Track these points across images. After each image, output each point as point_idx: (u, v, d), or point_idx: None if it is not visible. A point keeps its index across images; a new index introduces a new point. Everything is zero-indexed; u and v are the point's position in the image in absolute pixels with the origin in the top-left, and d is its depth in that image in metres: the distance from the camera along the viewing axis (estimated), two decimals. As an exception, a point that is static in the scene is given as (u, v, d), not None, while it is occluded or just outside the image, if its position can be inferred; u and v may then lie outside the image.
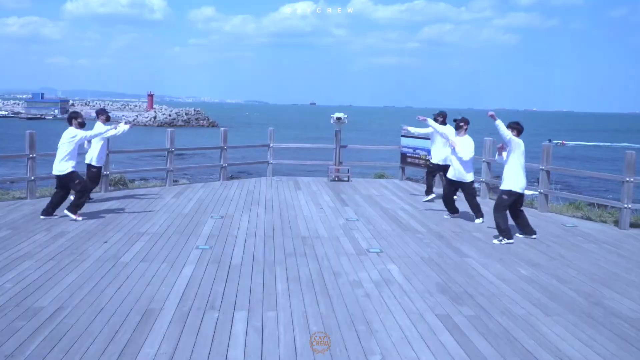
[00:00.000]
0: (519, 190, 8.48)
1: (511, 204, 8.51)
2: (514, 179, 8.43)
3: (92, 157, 10.48)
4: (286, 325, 5.06)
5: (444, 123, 11.17)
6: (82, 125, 9.34)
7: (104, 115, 10.63)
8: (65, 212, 8.98)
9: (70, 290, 5.77)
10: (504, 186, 8.50)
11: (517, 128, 8.42)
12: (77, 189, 9.02)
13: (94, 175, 10.58)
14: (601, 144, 78.66)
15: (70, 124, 9.24)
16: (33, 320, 4.98)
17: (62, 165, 9.01)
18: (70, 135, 9.06)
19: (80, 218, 8.98)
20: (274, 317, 5.22)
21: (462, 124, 9.75)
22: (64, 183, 9.10)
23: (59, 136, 9.18)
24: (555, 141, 54.92)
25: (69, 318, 5.06)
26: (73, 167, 9.08)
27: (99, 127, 10.09)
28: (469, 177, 9.70)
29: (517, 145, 8.37)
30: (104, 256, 7.06)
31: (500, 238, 8.35)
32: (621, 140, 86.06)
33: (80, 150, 9.63)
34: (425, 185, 12.22)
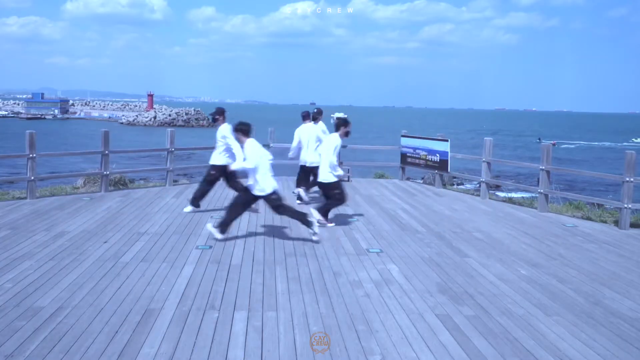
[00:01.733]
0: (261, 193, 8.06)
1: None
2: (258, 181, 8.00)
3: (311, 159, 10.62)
4: (286, 325, 5.06)
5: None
6: (346, 135, 9.46)
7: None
8: (318, 220, 8.73)
9: (70, 290, 5.77)
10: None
11: (242, 129, 7.95)
12: (335, 197, 9.16)
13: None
14: (585, 143, 79.00)
15: (337, 131, 9.32)
16: (33, 320, 4.98)
17: (326, 174, 9.12)
18: (335, 144, 9.15)
19: (331, 224, 9.19)
20: (274, 317, 5.22)
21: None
22: (324, 190, 9.29)
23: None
24: (544, 142, 55.21)
25: (69, 318, 5.06)
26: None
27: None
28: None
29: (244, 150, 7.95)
30: (104, 256, 7.06)
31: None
32: (604, 140, 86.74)
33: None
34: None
